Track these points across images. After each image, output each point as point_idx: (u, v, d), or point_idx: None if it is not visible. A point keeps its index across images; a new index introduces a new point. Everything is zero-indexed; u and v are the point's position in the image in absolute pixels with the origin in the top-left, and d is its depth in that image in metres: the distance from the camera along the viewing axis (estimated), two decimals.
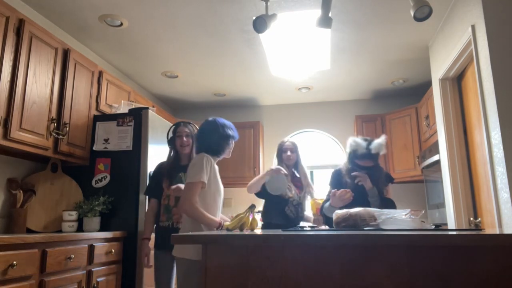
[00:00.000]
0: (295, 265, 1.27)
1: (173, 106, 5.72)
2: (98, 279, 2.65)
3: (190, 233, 1.57)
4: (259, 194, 2.91)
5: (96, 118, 3.27)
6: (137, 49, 3.84)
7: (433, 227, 1.64)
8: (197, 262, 2.02)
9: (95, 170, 3.18)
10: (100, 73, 3.39)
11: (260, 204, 3.10)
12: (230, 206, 5.34)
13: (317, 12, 3.07)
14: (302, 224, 2.95)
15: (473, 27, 2.66)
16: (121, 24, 3.33)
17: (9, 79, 2.41)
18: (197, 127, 2.69)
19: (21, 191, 2.75)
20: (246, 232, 1.52)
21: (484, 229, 1.68)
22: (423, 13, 2.02)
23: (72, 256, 2.41)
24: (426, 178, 4.22)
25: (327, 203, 2.44)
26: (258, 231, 1.70)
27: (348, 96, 5.32)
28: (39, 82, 2.66)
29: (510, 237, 1.13)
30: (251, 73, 4.45)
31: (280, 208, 2.82)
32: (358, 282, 1.22)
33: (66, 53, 2.96)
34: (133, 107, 3.46)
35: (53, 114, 2.79)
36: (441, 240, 1.15)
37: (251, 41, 3.66)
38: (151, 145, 3.24)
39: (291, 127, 5.51)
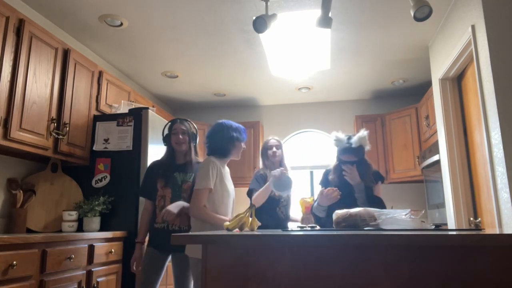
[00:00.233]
0: (295, 265, 1.27)
1: (173, 106, 5.72)
2: (98, 279, 2.65)
3: (190, 233, 1.57)
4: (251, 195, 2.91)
5: (96, 118, 3.27)
6: (137, 49, 3.84)
7: (433, 227, 1.64)
8: None
9: (95, 170, 3.18)
10: (100, 73, 3.39)
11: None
12: None
13: (317, 12, 3.07)
14: (291, 224, 2.98)
15: (473, 27, 2.66)
16: (121, 24, 3.33)
17: (9, 79, 2.41)
18: (195, 125, 2.70)
19: (21, 191, 2.75)
20: (246, 232, 1.52)
21: (484, 229, 1.68)
22: (423, 13, 2.02)
23: (72, 256, 2.41)
24: (426, 178, 4.22)
25: (316, 203, 2.45)
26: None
27: (348, 96, 5.32)
28: (39, 82, 2.66)
29: (510, 237, 1.13)
30: (251, 73, 4.45)
31: (272, 209, 2.82)
32: (358, 282, 1.22)
33: (66, 53, 2.96)
34: (133, 107, 3.46)
35: (53, 114, 2.79)
36: (441, 240, 1.15)
37: (251, 41, 3.66)
38: (151, 145, 3.24)
39: (291, 127, 5.51)
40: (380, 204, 2.36)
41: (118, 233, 2.89)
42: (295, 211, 3.00)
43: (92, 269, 2.60)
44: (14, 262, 2.00)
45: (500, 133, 2.35)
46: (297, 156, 5.49)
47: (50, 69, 2.78)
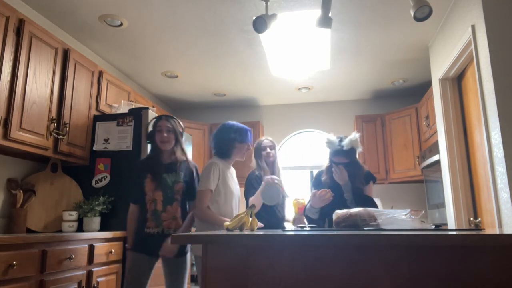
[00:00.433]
0: (295, 265, 1.27)
1: (173, 106, 5.72)
2: (98, 279, 2.65)
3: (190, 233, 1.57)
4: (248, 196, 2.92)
5: (96, 118, 3.27)
6: (137, 49, 3.84)
7: (433, 227, 1.64)
8: None
9: (95, 170, 3.18)
10: (100, 73, 3.39)
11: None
12: None
13: (317, 12, 3.07)
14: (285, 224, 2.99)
15: (473, 27, 2.66)
16: (121, 24, 3.33)
17: (9, 79, 2.41)
18: (181, 123, 2.62)
19: (21, 191, 2.75)
20: (246, 232, 1.52)
21: (484, 229, 1.68)
22: (423, 13, 2.02)
23: (72, 256, 2.41)
24: (426, 178, 4.22)
25: (308, 205, 2.46)
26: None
27: (348, 96, 5.32)
28: (39, 82, 2.66)
29: (510, 237, 1.13)
30: (251, 73, 4.45)
31: (271, 208, 2.82)
32: (358, 282, 1.22)
33: (66, 53, 2.96)
34: (133, 107, 3.46)
35: (53, 114, 2.79)
36: (441, 240, 1.15)
37: (251, 41, 3.66)
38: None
39: (291, 127, 5.51)
40: (369, 203, 2.36)
41: (118, 233, 2.89)
42: (288, 212, 3.02)
43: (92, 269, 2.60)
44: (14, 262, 2.00)
45: (500, 133, 2.35)
46: (297, 156, 5.49)
47: (50, 69, 2.78)
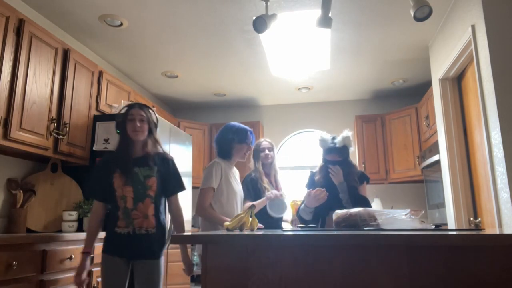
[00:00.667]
0: (295, 265, 1.27)
1: (173, 106, 5.72)
2: (98, 279, 2.65)
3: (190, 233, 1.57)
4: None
5: (96, 118, 3.27)
6: (137, 49, 3.84)
7: (433, 227, 1.64)
8: None
9: None
10: (100, 73, 3.39)
11: None
12: None
13: (317, 12, 3.07)
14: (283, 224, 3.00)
15: (473, 27, 2.66)
16: (121, 24, 3.33)
17: (9, 79, 2.41)
18: (156, 114, 2.34)
19: (21, 191, 2.74)
20: (246, 232, 1.52)
21: (484, 229, 1.68)
22: (423, 13, 2.02)
23: (72, 256, 2.41)
24: (426, 178, 4.22)
25: (302, 205, 2.46)
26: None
27: (348, 96, 5.32)
28: (39, 82, 2.66)
29: (510, 237, 1.13)
30: (251, 73, 4.45)
31: (265, 210, 2.82)
32: (358, 282, 1.22)
33: (66, 53, 2.95)
34: None
35: (53, 114, 2.79)
36: (441, 240, 1.15)
37: (251, 41, 3.66)
38: None
39: (291, 127, 5.51)
40: (364, 203, 2.38)
41: None
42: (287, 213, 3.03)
43: (92, 269, 2.60)
44: (14, 262, 2.00)
45: (500, 133, 2.35)
46: (297, 156, 5.49)
47: (50, 69, 2.78)
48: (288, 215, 3.04)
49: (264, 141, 2.99)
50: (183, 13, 3.18)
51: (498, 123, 2.37)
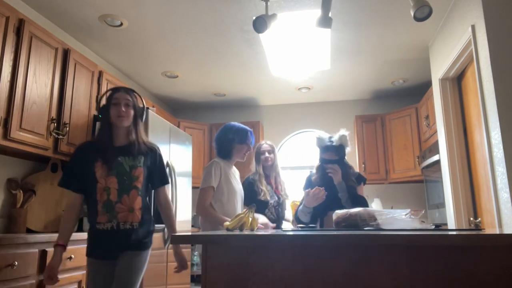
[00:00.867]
0: (295, 265, 1.27)
1: (173, 106, 5.72)
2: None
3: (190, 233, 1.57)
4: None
5: (96, 118, 3.27)
6: (137, 49, 3.84)
7: (433, 227, 1.64)
8: None
9: None
10: (100, 73, 3.39)
11: None
12: None
13: (317, 12, 3.07)
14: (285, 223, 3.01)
15: (473, 27, 2.66)
16: (121, 24, 3.33)
17: (9, 79, 2.41)
18: (143, 100, 2.19)
19: (21, 191, 2.74)
20: (246, 232, 1.52)
21: (484, 229, 1.68)
22: (423, 13, 2.02)
23: (72, 256, 2.41)
24: (426, 178, 4.22)
25: (301, 206, 2.45)
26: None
27: (348, 96, 5.32)
28: (39, 82, 2.65)
29: (510, 237, 1.13)
30: (251, 73, 4.45)
31: (261, 211, 2.83)
32: (358, 282, 1.22)
33: (66, 53, 2.96)
34: None
35: (53, 114, 2.79)
36: (441, 240, 1.15)
37: (251, 41, 3.66)
38: None
39: (291, 127, 5.51)
40: (363, 203, 2.38)
41: None
42: (288, 212, 3.05)
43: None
44: (14, 262, 2.00)
45: (500, 133, 2.35)
46: (297, 156, 5.49)
47: (50, 69, 2.78)
48: (288, 214, 3.05)
49: (265, 144, 3.00)
50: (183, 13, 3.18)
51: (498, 123, 2.37)
